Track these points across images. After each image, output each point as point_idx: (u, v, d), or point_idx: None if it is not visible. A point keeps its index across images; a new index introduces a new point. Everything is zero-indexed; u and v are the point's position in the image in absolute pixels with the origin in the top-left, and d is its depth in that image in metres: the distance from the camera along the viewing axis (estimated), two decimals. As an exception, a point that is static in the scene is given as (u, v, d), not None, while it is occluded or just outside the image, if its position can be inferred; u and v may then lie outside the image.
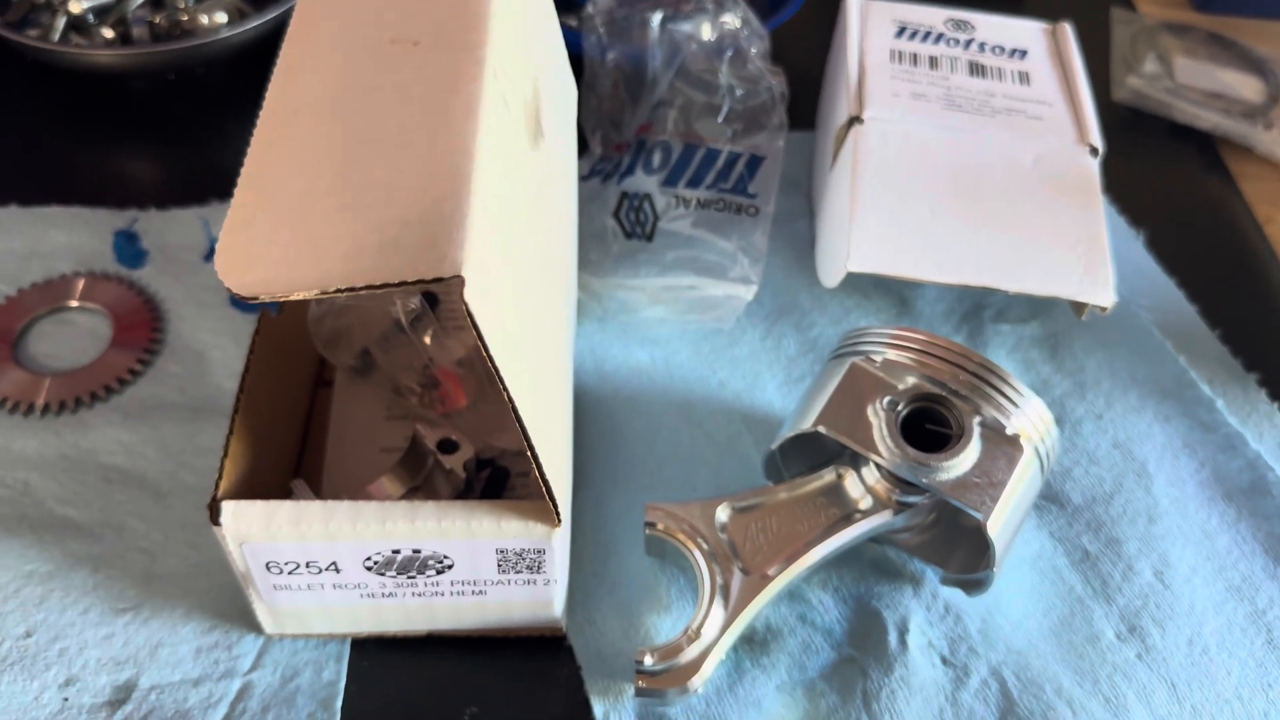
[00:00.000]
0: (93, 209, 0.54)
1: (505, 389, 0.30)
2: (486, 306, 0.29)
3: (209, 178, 0.56)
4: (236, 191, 0.31)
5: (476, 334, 0.28)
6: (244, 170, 0.31)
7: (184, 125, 0.60)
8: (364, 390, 0.46)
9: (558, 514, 0.35)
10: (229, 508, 0.35)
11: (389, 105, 0.32)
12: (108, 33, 0.59)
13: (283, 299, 0.28)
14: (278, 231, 0.29)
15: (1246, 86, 0.67)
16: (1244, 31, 0.71)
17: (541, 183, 0.39)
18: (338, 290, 0.28)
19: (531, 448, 0.32)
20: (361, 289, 0.28)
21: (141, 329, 0.49)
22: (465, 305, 0.28)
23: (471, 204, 0.29)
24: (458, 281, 0.27)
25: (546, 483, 0.34)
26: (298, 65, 0.34)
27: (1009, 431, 0.39)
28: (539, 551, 0.36)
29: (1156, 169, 0.63)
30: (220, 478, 0.35)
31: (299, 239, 0.29)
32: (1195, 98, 0.65)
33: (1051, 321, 0.53)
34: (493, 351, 0.29)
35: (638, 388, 0.49)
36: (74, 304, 0.50)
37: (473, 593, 0.38)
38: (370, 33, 0.34)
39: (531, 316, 0.35)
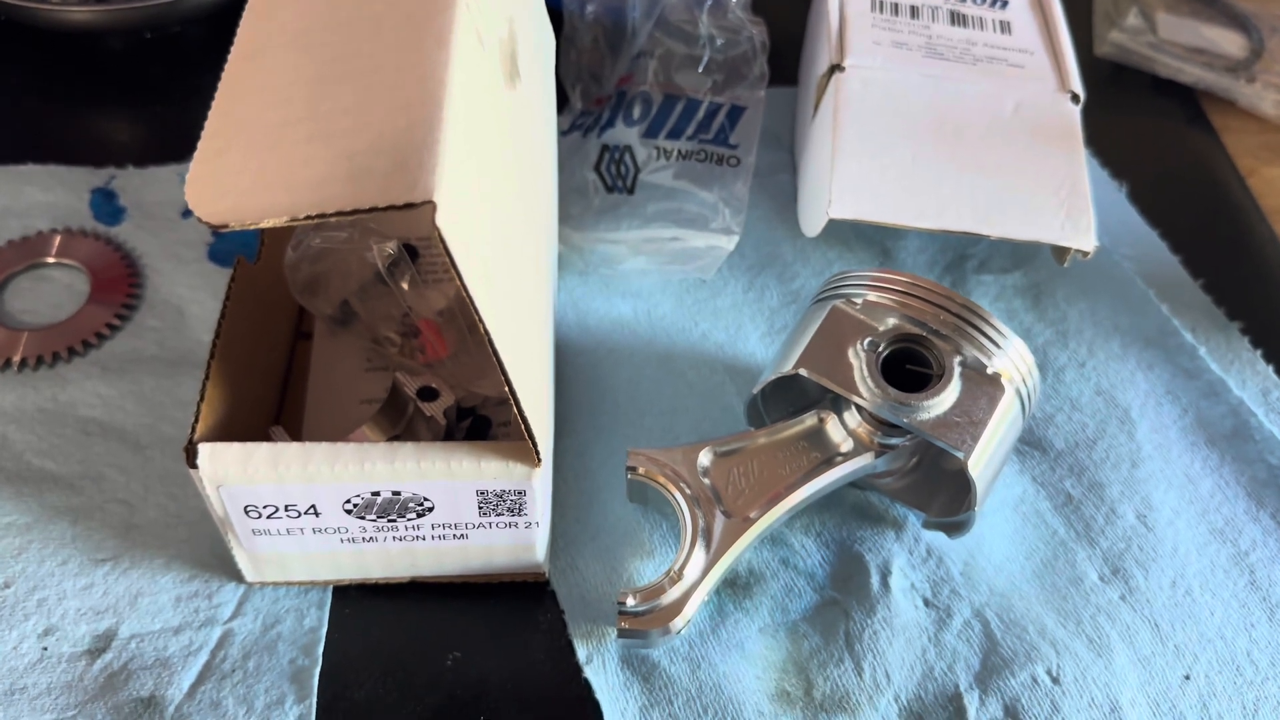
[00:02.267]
0: (70, 167, 0.54)
1: (479, 318, 0.30)
2: (460, 233, 0.28)
3: (187, 135, 0.54)
4: (207, 123, 0.31)
5: (448, 258, 0.28)
6: (215, 102, 0.31)
7: (161, 83, 0.59)
8: (344, 341, 0.45)
9: (538, 454, 0.35)
10: (205, 450, 0.34)
11: (360, 36, 0.32)
12: (83, -9, 0.59)
13: (252, 226, 0.28)
14: (248, 161, 0.29)
15: (1229, 41, 0.67)
16: (1227, -13, 0.71)
17: (518, 124, 0.39)
18: (307, 217, 0.27)
19: (509, 381, 0.32)
20: (332, 215, 0.27)
21: (119, 284, 0.49)
22: (437, 230, 0.27)
23: (444, 131, 0.29)
24: (429, 207, 0.27)
25: (525, 420, 0.34)
26: (270, 1, 0.34)
27: (990, 371, 0.39)
28: (520, 493, 0.36)
29: (1139, 123, 0.62)
30: (196, 421, 0.35)
31: (269, 168, 0.29)
32: (1178, 52, 0.65)
33: (1034, 271, 0.53)
34: (466, 279, 0.29)
35: (620, 340, 0.49)
36: (51, 260, 0.50)
37: (454, 536, 0.38)
38: (342, -32, 0.34)
39: (508, 254, 0.35)
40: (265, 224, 0.28)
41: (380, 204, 0.27)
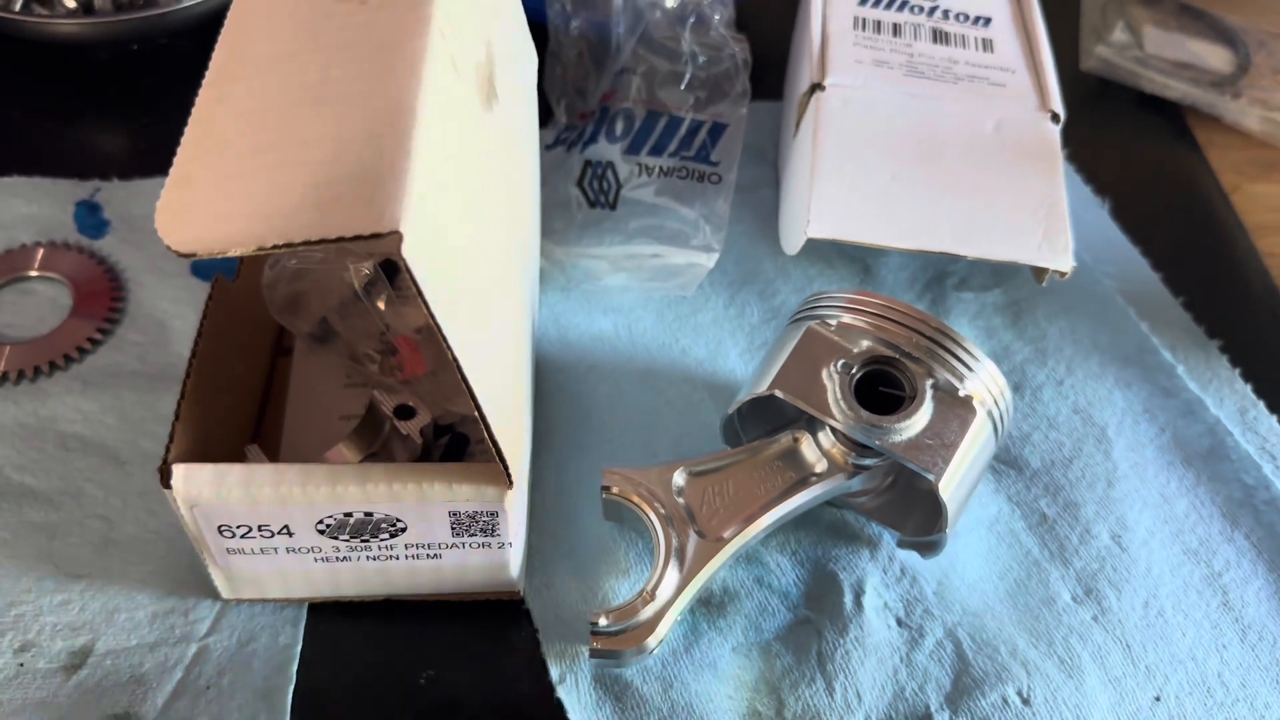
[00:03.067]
0: (54, 179, 0.54)
1: (447, 344, 0.30)
2: (427, 262, 0.29)
3: (172, 148, 0.55)
4: (180, 150, 0.31)
5: (416, 289, 0.28)
6: (187, 129, 0.31)
7: (147, 96, 0.59)
8: (323, 358, 0.46)
9: (509, 476, 0.35)
10: (179, 470, 0.35)
11: (332, 63, 0.32)
12: (70, 2, 0.59)
13: (220, 256, 0.28)
14: (217, 189, 0.29)
15: (1215, 56, 0.67)
16: (1214, 2, 0.71)
17: (496, 146, 0.39)
18: (275, 246, 0.28)
19: (478, 406, 0.32)
20: (299, 245, 0.28)
21: (102, 298, 0.49)
22: (403, 261, 0.28)
23: (412, 160, 0.29)
24: (395, 237, 0.27)
25: (495, 444, 0.34)
26: (244, 25, 0.34)
27: (962, 394, 0.39)
28: (492, 514, 0.36)
29: (1124, 138, 0.63)
30: (171, 441, 0.35)
31: (237, 196, 0.29)
32: (1164, 67, 0.65)
33: (1014, 289, 0.53)
34: (433, 307, 0.29)
35: (600, 355, 0.49)
36: (34, 273, 0.50)
37: (427, 556, 0.38)
38: (317, -7, 0.34)
39: (482, 276, 0.35)
40: (232, 253, 0.28)
41: (347, 234, 0.27)
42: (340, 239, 0.27)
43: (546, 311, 0.50)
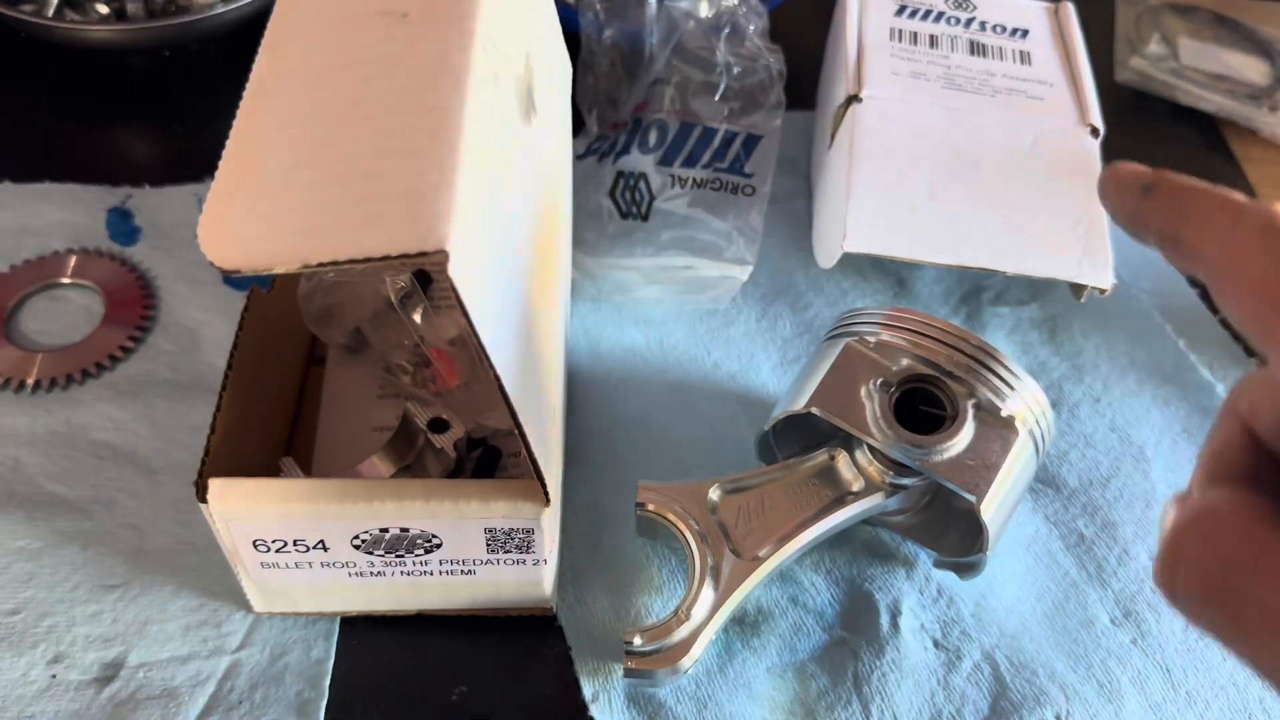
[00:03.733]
0: (86, 186, 0.54)
1: (490, 366, 0.30)
2: (472, 281, 0.28)
3: (203, 155, 0.56)
4: (221, 164, 0.30)
5: (461, 309, 0.28)
6: (229, 143, 0.31)
7: (179, 102, 0.59)
8: (356, 368, 0.45)
9: (546, 494, 0.35)
10: (215, 485, 0.34)
11: (375, 77, 0.31)
12: (102, 8, 0.59)
13: (265, 273, 0.28)
14: (261, 204, 0.29)
15: (1251, 69, 0.66)
16: (1250, 13, 0.70)
17: (534, 159, 0.38)
18: (320, 265, 0.27)
19: (519, 426, 0.32)
20: (344, 263, 0.27)
21: (133, 306, 0.49)
22: (449, 279, 0.27)
23: (457, 177, 0.29)
24: (441, 256, 0.27)
25: (535, 462, 0.33)
26: (285, 38, 0.34)
27: (1004, 414, 0.39)
28: (528, 531, 0.36)
29: (1159, 151, 0.62)
30: (207, 455, 0.35)
31: (282, 212, 0.29)
32: (1199, 79, 0.65)
33: (1051, 304, 0.52)
34: (478, 327, 0.29)
35: (632, 368, 0.49)
36: (66, 281, 0.50)
37: (462, 572, 0.38)
38: (358, 5, 0.34)
39: (521, 293, 0.35)
40: (277, 270, 0.28)
41: (393, 252, 0.27)
42: (386, 257, 0.27)
43: (578, 323, 0.50)
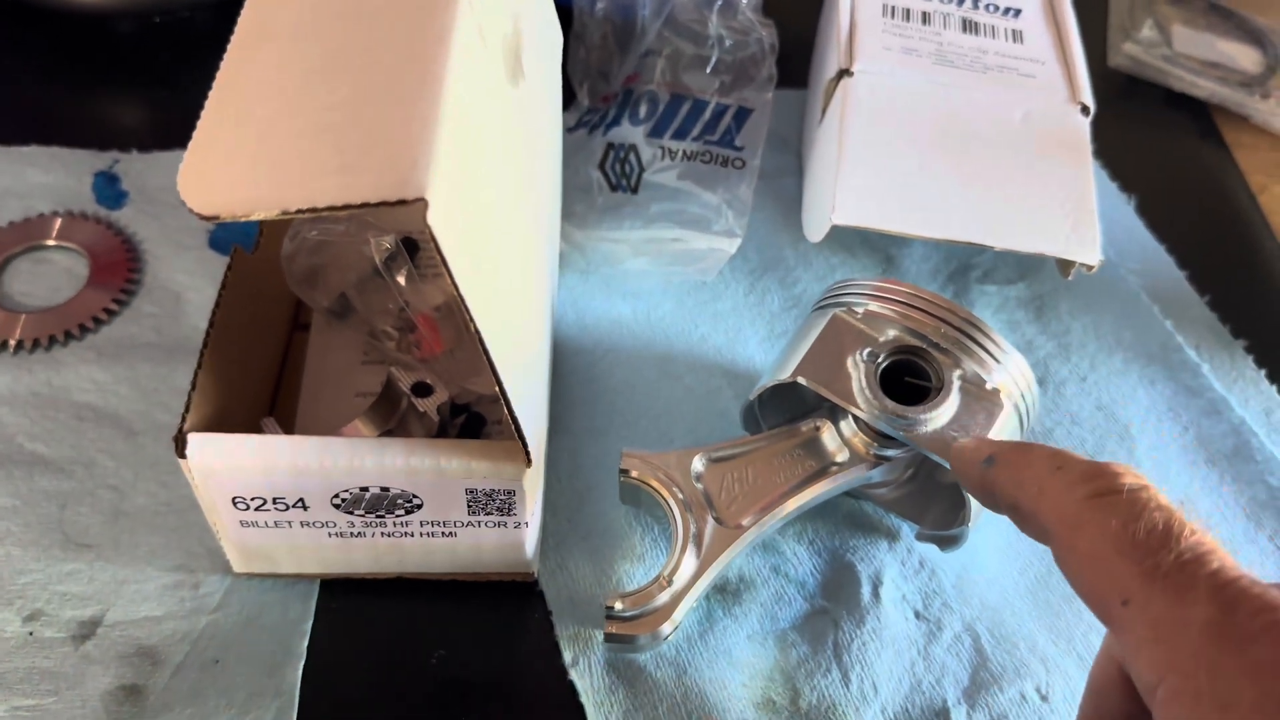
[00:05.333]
0: (73, 150, 0.54)
1: (470, 316, 0.30)
2: (453, 231, 0.28)
3: (192, 120, 0.54)
4: (203, 114, 0.30)
5: (439, 256, 0.28)
6: (212, 93, 0.31)
7: (168, 68, 0.59)
8: (340, 334, 0.45)
9: (528, 454, 0.35)
10: (195, 440, 0.34)
11: (359, 31, 0.31)
12: (92, -27, 0.59)
13: (243, 219, 0.27)
14: (241, 153, 0.29)
15: (1244, 56, 0.66)
16: (1243, 2, 0.70)
17: (520, 123, 0.38)
18: (299, 211, 0.27)
19: (500, 381, 0.32)
20: (323, 210, 0.27)
21: (118, 269, 0.48)
22: (428, 229, 0.27)
23: (439, 129, 0.28)
24: (421, 204, 0.27)
25: (515, 420, 0.33)
26: (271, -9, 0.34)
27: (989, 386, 0.39)
28: (509, 493, 0.36)
29: (1151, 136, 0.62)
30: (187, 411, 0.35)
31: (262, 160, 0.28)
32: (1192, 66, 0.65)
33: (1038, 283, 0.52)
34: (457, 277, 0.28)
35: (618, 340, 0.49)
36: (51, 243, 0.50)
37: (443, 534, 0.38)
38: (346, -40, 0.34)
39: (505, 252, 0.35)
40: (255, 216, 0.27)
41: (372, 200, 0.27)
42: (365, 204, 0.27)
43: (565, 294, 0.50)
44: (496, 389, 0.32)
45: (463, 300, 0.29)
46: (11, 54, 0.59)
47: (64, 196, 0.52)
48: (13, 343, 0.46)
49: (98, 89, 0.58)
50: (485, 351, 0.31)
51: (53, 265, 0.49)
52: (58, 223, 0.50)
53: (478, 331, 0.30)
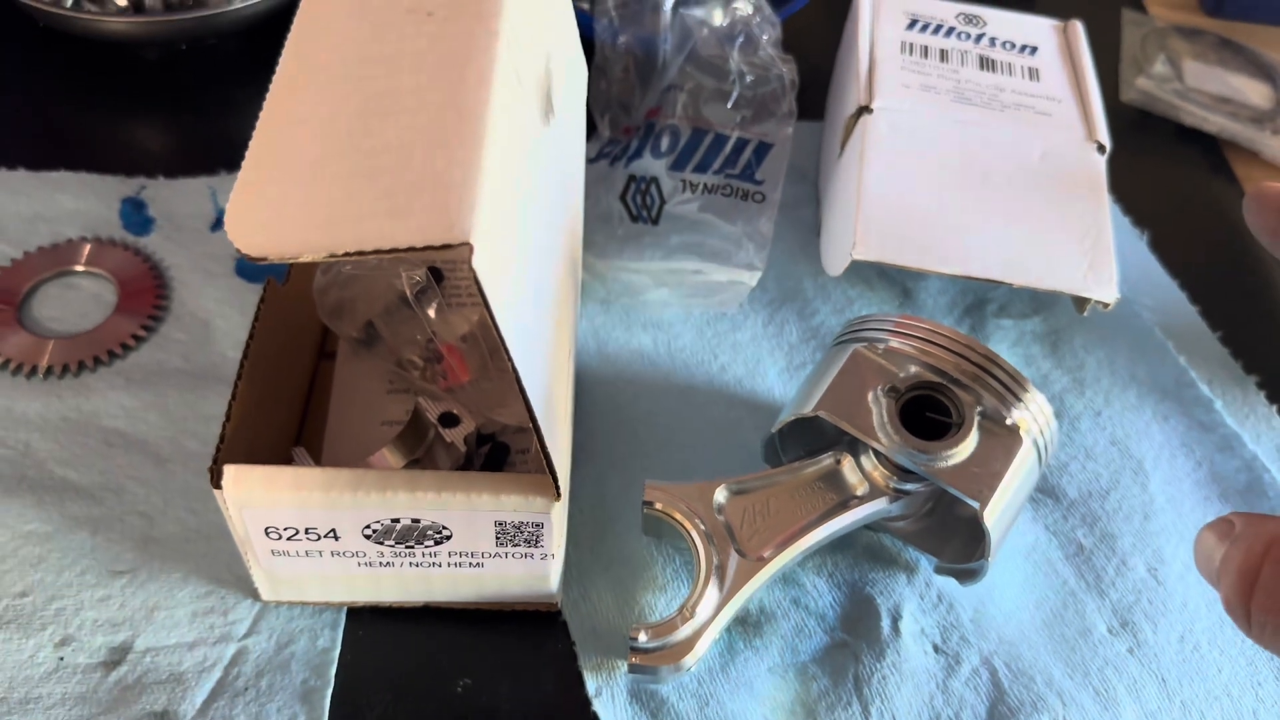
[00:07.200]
0: (101, 176, 0.54)
1: (510, 359, 0.30)
2: (494, 275, 0.29)
3: (218, 148, 0.56)
4: (248, 153, 0.31)
5: (483, 301, 0.28)
6: (256, 133, 0.31)
7: (195, 96, 0.60)
8: (367, 362, 0.46)
9: (557, 488, 0.35)
10: (230, 471, 0.35)
11: (402, 73, 0.32)
12: (121, 1, 0.59)
13: (291, 261, 0.28)
14: (288, 194, 0.29)
15: (1255, 92, 0.67)
16: (1254, 37, 0.71)
17: (551, 159, 0.39)
18: (346, 254, 0.28)
19: (534, 419, 0.32)
20: (370, 254, 0.28)
21: (146, 295, 0.49)
22: (473, 273, 0.28)
23: (482, 172, 0.29)
24: (466, 249, 0.28)
25: (547, 455, 0.34)
26: (312, 32, 0.34)
27: (1009, 422, 0.39)
28: (537, 525, 0.36)
29: (1162, 170, 0.63)
30: (222, 442, 0.36)
31: (309, 202, 0.29)
32: (1203, 101, 0.65)
33: (1053, 318, 0.53)
34: (499, 321, 0.29)
35: (639, 370, 0.49)
36: (80, 269, 0.50)
37: (470, 564, 0.38)
38: (385, 2, 0.34)
39: (537, 291, 0.35)
40: (304, 259, 0.28)
41: (418, 244, 0.28)
42: (412, 249, 0.28)
43: (586, 325, 0.51)
44: (522, 419, 0.33)
45: (503, 342, 0.30)
46: (41, 80, 0.60)
47: (92, 222, 0.52)
48: (42, 368, 0.46)
49: (125, 116, 0.59)
50: (523, 391, 0.31)
51: (81, 291, 0.50)
52: (86, 248, 0.51)
53: (517, 372, 0.31)
